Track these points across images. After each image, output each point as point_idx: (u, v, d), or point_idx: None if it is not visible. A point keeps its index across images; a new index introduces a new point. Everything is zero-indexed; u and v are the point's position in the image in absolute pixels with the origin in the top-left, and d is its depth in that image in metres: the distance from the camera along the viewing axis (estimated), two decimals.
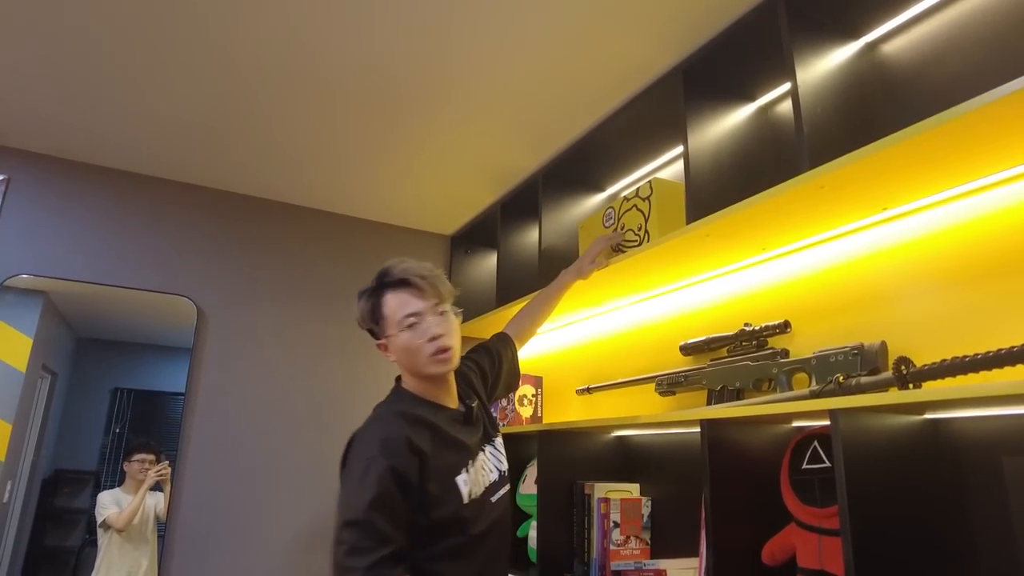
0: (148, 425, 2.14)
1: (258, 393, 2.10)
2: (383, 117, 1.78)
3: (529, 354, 2.32)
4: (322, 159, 2.00)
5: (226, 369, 2.08)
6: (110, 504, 1.89)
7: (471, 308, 2.39)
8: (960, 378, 0.96)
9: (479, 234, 2.44)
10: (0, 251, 1.87)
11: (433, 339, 1.18)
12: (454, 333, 1.23)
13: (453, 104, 1.72)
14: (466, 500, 1.15)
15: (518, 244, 2.16)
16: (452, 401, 1.27)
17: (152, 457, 1.98)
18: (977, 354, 0.94)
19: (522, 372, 2.08)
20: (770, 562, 1.19)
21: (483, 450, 1.27)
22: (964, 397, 0.87)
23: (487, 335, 2.35)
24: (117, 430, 2.12)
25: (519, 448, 1.98)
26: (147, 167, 2.07)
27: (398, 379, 1.30)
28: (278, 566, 2.02)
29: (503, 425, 1.99)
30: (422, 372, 1.21)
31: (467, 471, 1.18)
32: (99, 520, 1.87)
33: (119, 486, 1.92)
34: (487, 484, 1.23)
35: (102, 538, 1.87)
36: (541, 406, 2.06)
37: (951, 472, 1.07)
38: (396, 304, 1.20)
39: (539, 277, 1.93)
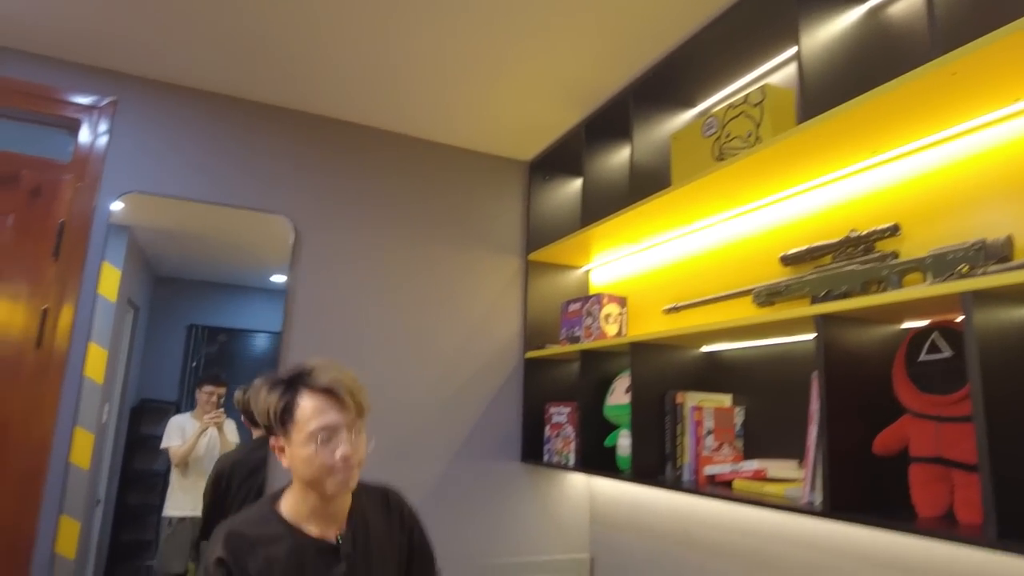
0: (221, 360, 2.26)
1: (350, 310, 2.18)
2: (465, 36, 1.78)
3: (613, 277, 2.34)
4: (401, 80, 2.02)
5: (320, 284, 2.16)
6: (174, 434, 1.96)
7: (549, 234, 2.42)
8: None
9: (558, 159, 2.44)
10: (112, 170, 1.96)
11: (345, 459, 1.11)
12: (362, 452, 1.17)
13: (535, 18, 1.71)
14: None
15: (604, 165, 2.15)
16: (333, 526, 1.19)
17: (221, 390, 2.05)
18: None
19: (607, 293, 2.11)
20: (882, 452, 1.20)
21: None
22: None
23: (571, 259, 2.40)
24: (193, 364, 2.24)
25: (604, 364, 2.02)
26: (244, 91, 2.13)
27: (279, 493, 1.22)
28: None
29: (587, 341, 2.02)
30: (320, 489, 1.13)
31: None
32: (161, 447, 1.95)
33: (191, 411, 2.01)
34: None
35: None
36: (626, 324, 2.08)
37: None
38: (312, 411, 1.12)
39: (628, 196, 1.94)
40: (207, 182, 2.07)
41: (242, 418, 2.06)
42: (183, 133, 2.07)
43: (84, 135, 1.95)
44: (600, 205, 2.08)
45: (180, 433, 1.97)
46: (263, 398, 1.16)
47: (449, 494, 2.19)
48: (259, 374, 1.23)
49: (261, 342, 2.76)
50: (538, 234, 2.44)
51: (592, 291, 2.47)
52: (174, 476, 1.95)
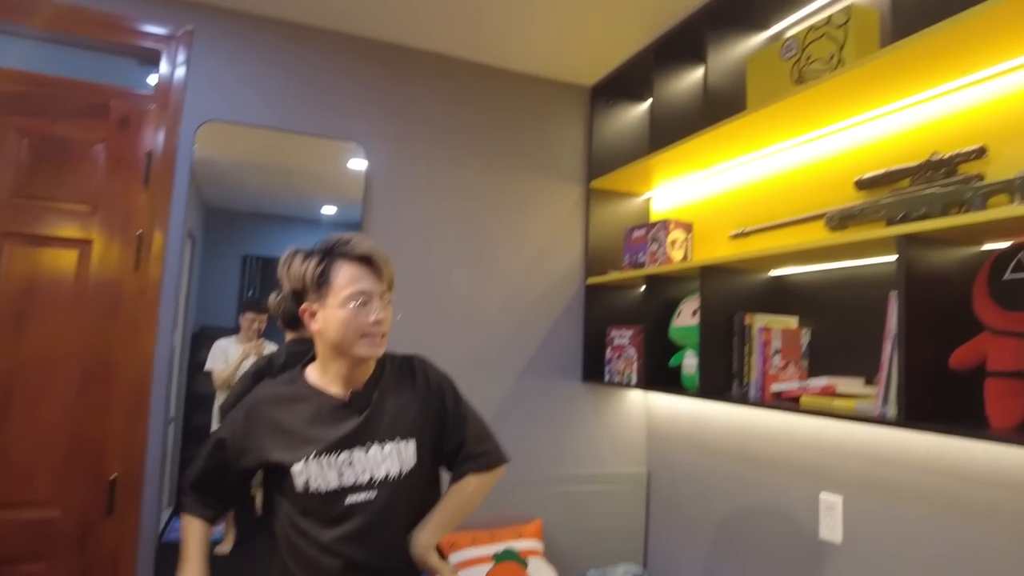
0: (274, 289, 2.36)
1: (420, 235, 2.26)
2: None
3: (675, 203, 2.36)
4: (470, 4, 2.01)
5: (391, 211, 2.23)
6: (218, 358, 2.05)
7: (611, 161, 2.43)
8: None
9: (622, 83, 2.43)
10: (191, 100, 2.03)
11: (378, 322, 1.18)
12: (389, 321, 1.24)
13: None
14: (299, 490, 1.18)
15: (672, 89, 2.14)
16: (349, 386, 1.25)
17: (262, 316, 2.12)
18: None
19: (674, 219, 2.14)
20: (959, 367, 1.25)
21: (356, 448, 1.21)
22: None
23: (633, 186, 2.42)
24: (250, 293, 2.35)
25: (670, 288, 2.08)
26: (317, 19, 2.15)
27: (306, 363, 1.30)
28: None
29: (653, 266, 2.07)
30: (351, 351, 1.19)
31: (305, 462, 1.18)
32: (205, 369, 2.04)
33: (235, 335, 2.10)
34: (344, 484, 1.19)
35: None
36: (691, 249, 2.12)
37: None
38: (350, 277, 1.18)
39: (700, 120, 1.93)
40: (282, 110, 2.13)
41: (278, 322, 2.20)
42: (258, 62, 2.11)
43: (164, 66, 2.01)
44: (668, 130, 2.09)
45: (223, 357, 2.06)
46: (298, 264, 1.20)
47: (515, 409, 2.31)
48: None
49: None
50: (600, 161, 2.45)
51: (653, 218, 2.50)
52: (218, 397, 2.06)
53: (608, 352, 2.31)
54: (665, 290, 2.08)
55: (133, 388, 1.91)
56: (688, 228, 2.13)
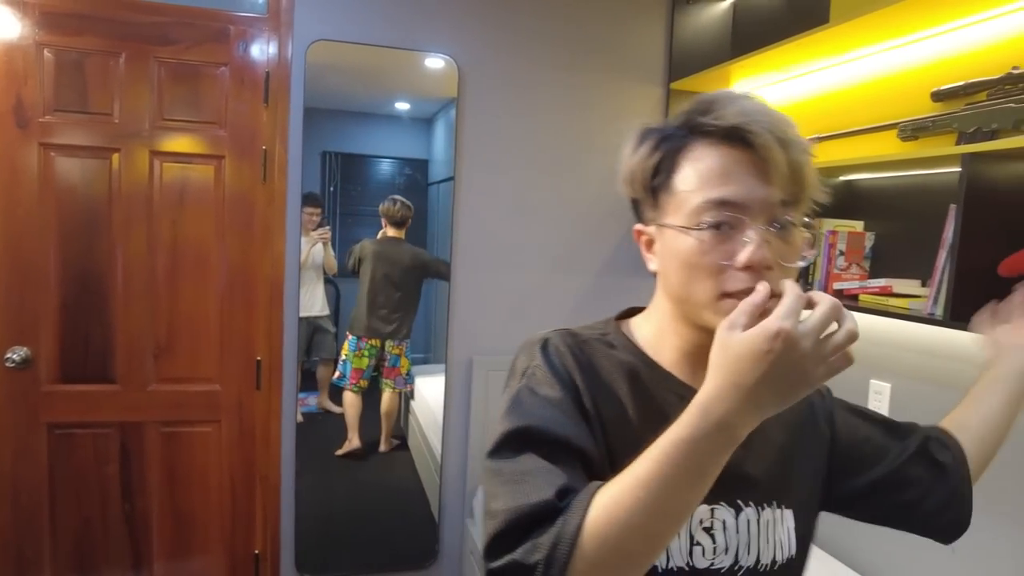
0: (355, 184, 2.56)
1: (508, 137, 2.43)
2: None
3: None
4: None
5: (481, 117, 2.40)
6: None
7: (695, 63, 2.48)
8: None
9: None
10: (299, 20, 2.18)
11: (747, 268, 0.63)
12: (792, 265, 0.66)
13: None
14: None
15: None
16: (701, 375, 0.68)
17: (318, 210, 2.37)
18: None
19: None
20: (1007, 274, 1.40)
21: (724, 502, 0.73)
22: None
23: (711, 89, 2.48)
24: (331, 188, 2.58)
25: None
26: None
27: (625, 314, 0.83)
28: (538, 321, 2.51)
29: None
30: (699, 318, 0.68)
31: None
32: None
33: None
34: (696, 566, 0.70)
35: None
36: None
37: None
38: (707, 170, 0.66)
39: (783, 27, 1.98)
40: (381, 25, 2.26)
41: (383, 222, 2.48)
42: None
43: None
44: (750, 35, 2.14)
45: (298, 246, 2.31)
46: (627, 155, 0.74)
47: (597, 299, 2.56)
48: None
49: (387, 167, 3.10)
50: (681, 62, 2.50)
51: None
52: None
53: None
54: None
55: (269, 285, 2.24)
56: None
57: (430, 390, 2.59)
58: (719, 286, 0.65)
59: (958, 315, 1.41)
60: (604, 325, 0.82)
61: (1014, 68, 1.50)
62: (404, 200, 2.54)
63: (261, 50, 2.17)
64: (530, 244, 2.48)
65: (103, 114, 2.06)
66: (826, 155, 2.06)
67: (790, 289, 0.56)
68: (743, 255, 0.63)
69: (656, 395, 0.73)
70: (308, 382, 2.58)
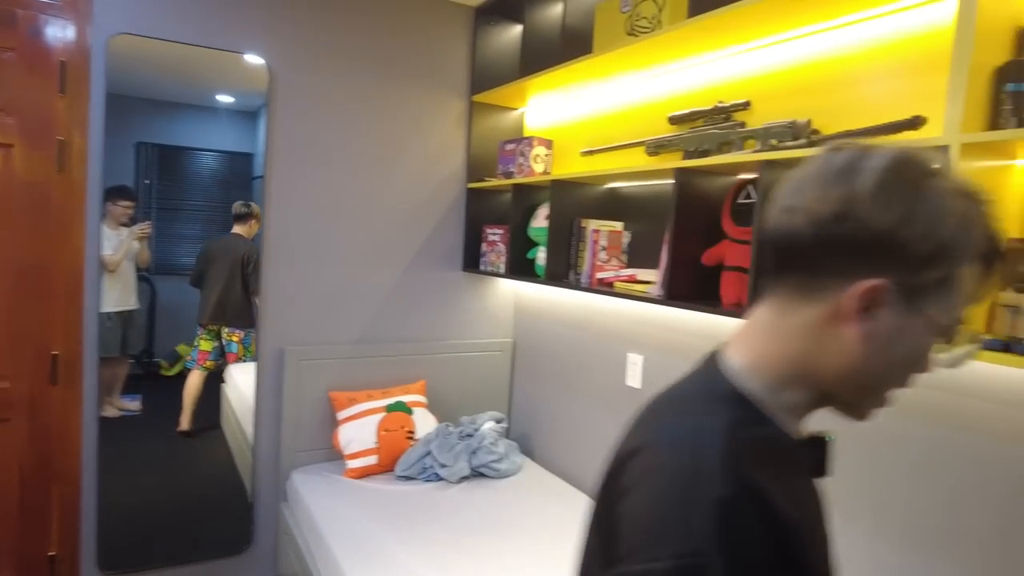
0: (174, 178, 2.54)
1: (319, 137, 2.56)
2: None
3: (544, 122, 2.77)
4: None
5: (292, 118, 2.50)
6: (105, 243, 2.28)
7: (493, 77, 2.76)
8: None
9: (503, 5, 2.72)
10: (99, 9, 2.16)
11: (924, 371, 0.66)
12: None
13: None
14: None
15: (542, 16, 2.47)
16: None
17: (131, 203, 2.34)
18: (871, 126, 1.43)
19: (537, 137, 2.55)
20: (708, 263, 1.80)
21: None
22: None
23: (509, 102, 2.79)
24: (147, 182, 2.59)
25: (532, 196, 2.53)
26: None
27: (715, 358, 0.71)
28: (359, 321, 2.65)
29: (519, 177, 2.51)
30: (859, 404, 0.67)
31: None
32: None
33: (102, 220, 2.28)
34: None
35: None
36: (551, 163, 2.56)
37: None
38: (974, 296, 0.64)
39: (557, 51, 2.31)
40: (190, 22, 2.29)
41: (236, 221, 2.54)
42: None
43: None
44: (536, 55, 2.44)
45: (109, 244, 2.30)
46: (952, 223, 0.59)
47: (406, 293, 2.77)
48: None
49: (209, 161, 3.08)
50: (482, 77, 2.78)
51: (527, 132, 2.90)
52: (106, 278, 2.32)
53: (484, 246, 2.77)
54: (528, 196, 2.53)
55: (67, 277, 2.19)
56: (549, 145, 2.55)
57: (244, 377, 2.64)
58: (899, 383, 0.66)
59: (673, 295, 1.79)
60: (728, 413, 0.63)
61: (719, 102, 1.93)
62: (245, 200, 2.57)
63: (55, 37, 2.12)
64: (341, 240, 2.63)
65: None
66: (594, 166, 2.43)
67: None
68: (934, 366, 0.66)
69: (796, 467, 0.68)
70: (147, 381, 2.55)
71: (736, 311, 1.67)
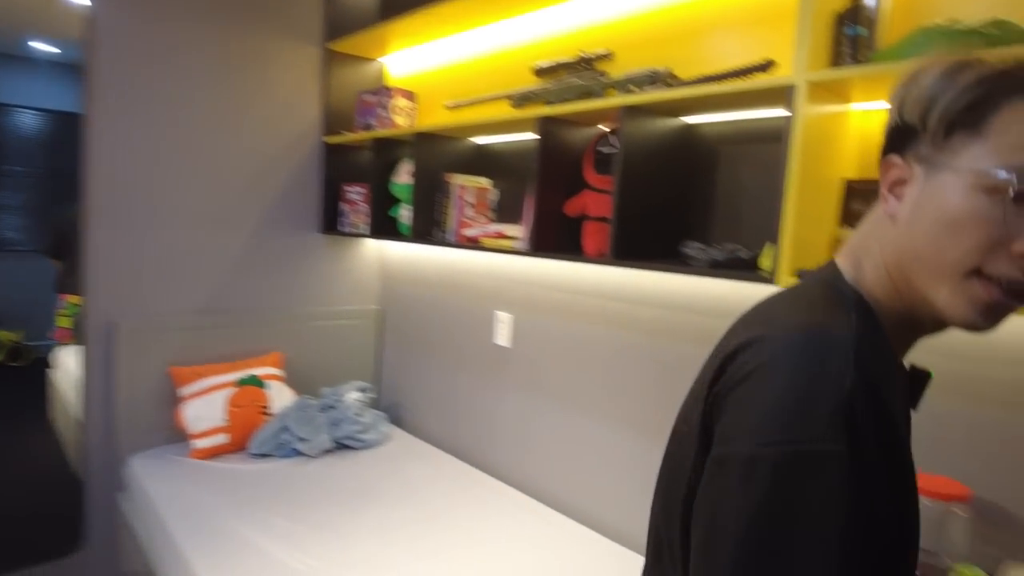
0: None
1: (154, 86, 2.26)
2: None
3: (407, 71, 2.62)
4: None
5: (121, 63, 2.19)
6: None
7: (349, 24, 2.57)
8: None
9: None
10: None
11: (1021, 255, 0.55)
12: None
13: None
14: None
15: None
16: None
17: None
18: (722, 71, 1.45)
19: (399, 88, 2.41)
20: (572, 213, 1.77)
21: None
22: (692, 96, 1.39)
23: (368, 51, 2.61)
24: None
25: (394, 151, 2.39)
26: None
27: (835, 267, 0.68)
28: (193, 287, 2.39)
29: (379, 130, 2.36)
30: (921, 284, 0.61)
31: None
32: None
33: None
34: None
35: None
36: (415, 117, 2.44)
37: (698, 156, 1.65)
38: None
39: None
40: None
41: None
42: None
43: None
44: (394, 2, 2.30)
45: None
46: (930, 77, 0.60)
47: (256, 258, 2.54)
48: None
49: (29, 120, 2.69)
50: (337, 23, 2.57)
51: (389, 83, 2.74)
52: None
53: (344, 206, 2.60)
54: (390, 151, 2.39)
55: None
56: (411, 96, 2.42)
57: (74, 359, 2.33)
58: (978, 260, 0.56)
59: (538, 247, 1.74)
60: (853, 313, 0.60)
61: (582, 52, 1.89)
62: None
63: None
64: (181, 201, 2.35)
65: None
66: (459, 119, 2.33)
67: None
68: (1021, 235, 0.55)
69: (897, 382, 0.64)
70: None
71: (600, 261, 1.66)
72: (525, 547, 1.77)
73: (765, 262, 1.34)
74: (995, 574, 1.15)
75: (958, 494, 1.16)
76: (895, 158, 0.63)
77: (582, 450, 2.00)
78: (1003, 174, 0.54)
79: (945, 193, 0.58)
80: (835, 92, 1.31)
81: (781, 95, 1.28)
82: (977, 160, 0.56)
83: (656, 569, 0.68)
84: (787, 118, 1.26)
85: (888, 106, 0.64)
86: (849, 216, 1.36)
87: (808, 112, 1.26)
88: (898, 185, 0.62)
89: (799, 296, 0.64)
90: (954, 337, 1.25)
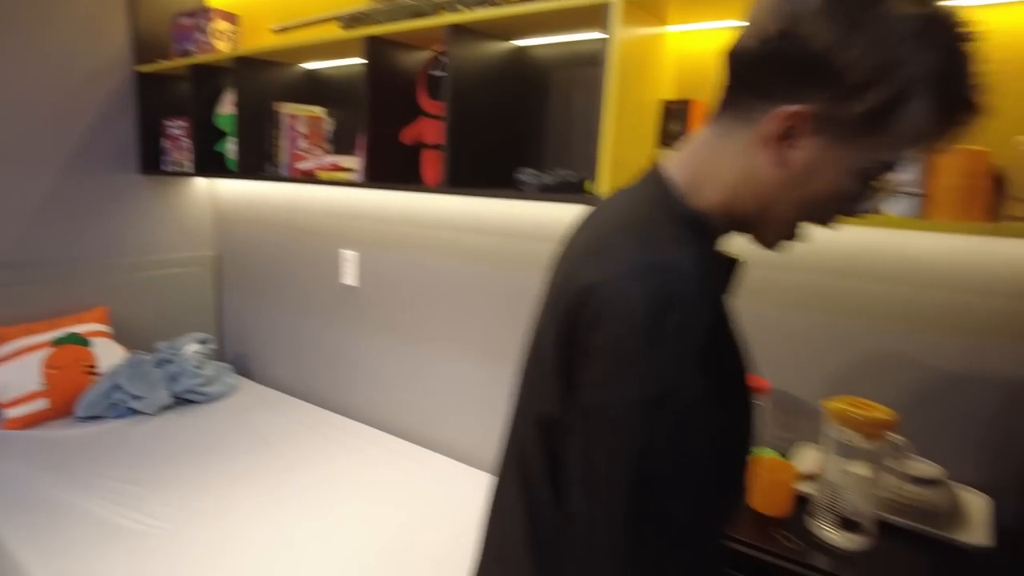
0: None
1: None
2: None
3: None
4: None
5: None
6: None
7: None
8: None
9: None
10: None
11: (848, 213, 0.63)
12: None
13: None
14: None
15: None
16: None
17: None
18: None
19: (218, 9, 2.18)
20: (408, 141, 1.71)
21: None
22: (511, 15, 1.37)
23: None
24: None
25: (216, 79, 2.18)
26: None
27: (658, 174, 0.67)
28: None
29: (198, 56, 2.14)
30: (759, 228, 0.65)
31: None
32: None
33: None
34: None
35: None
36: (240, 42, 2.23)
37: (531, 81, 1.64)
38: (927, 136, 0.57)
39: None
40: None
41: None
42: None
43: None
44: None
45: None
46: (893, 35, 0.53)
47: (65, 205, 2.25)
48: None
49: None
50: None
51: (208, 3, 2.47)
52: None
53: (165, 143, 2.36)
54: (212, 80, 2.19)
55: None
56: (232, 19, 2.21)
57: None
58: (806, 217, 0.63)
59: (373, 177, 1.68)
60: (692, 237, 0.62)
61: None
62: None
63: None
64: None
65: None
66: (284, 42, 2.16)
67: None
68: (860, 205, 0.62)
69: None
70: None
71: (434, 189, 1.63)
72: (384, 482, 1.78)
73: (591, 185, 1.38)
74: (787, 454, 1.30)
75: (758, 387, 1.28)
76: (800, 112, 0.56)
77: (434, 382, 2.01)
78: (870, 168, 0.58)
79: (842, 167, 0.58)
80: (651, 13, 1.33)
81: (598, 15, 1.29)
82: (874, 148, 0.57)
83: (516, 482, 0.68)
84: (604, 40, 1.26)
85: (769, 17, 0.56)
86: (667, 136, 1.41)
87: (624, 34, 1.27)
88: (784, 142, 0.58)
89: (634, 220, 0.63)
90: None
